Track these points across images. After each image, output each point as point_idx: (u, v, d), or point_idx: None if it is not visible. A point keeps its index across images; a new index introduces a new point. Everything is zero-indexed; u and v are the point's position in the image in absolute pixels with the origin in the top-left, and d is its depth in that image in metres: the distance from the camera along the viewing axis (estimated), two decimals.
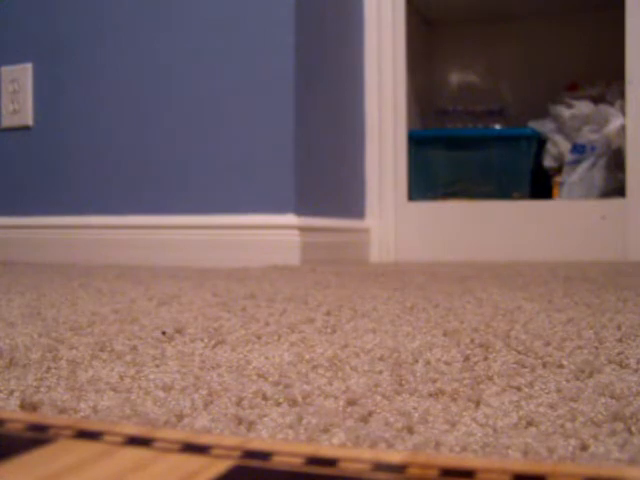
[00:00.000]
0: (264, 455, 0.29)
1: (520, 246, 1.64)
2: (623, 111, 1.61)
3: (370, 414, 0.35)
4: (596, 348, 0.49)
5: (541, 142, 1.76)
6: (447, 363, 0.46)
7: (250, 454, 0.29)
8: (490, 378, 0.42)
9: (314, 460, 0.28)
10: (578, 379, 0.41)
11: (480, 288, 0.90)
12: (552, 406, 0.36)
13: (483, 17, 2.01)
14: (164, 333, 0.56)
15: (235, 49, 1.44)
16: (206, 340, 0.54)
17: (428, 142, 1.80)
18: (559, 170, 1.73)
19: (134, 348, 0.51)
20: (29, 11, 1.63)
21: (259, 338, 0.55)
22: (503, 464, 0.28)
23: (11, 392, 0.40)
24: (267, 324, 0.61)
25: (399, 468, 0.28)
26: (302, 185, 1.42)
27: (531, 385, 0.40)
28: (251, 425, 0.33)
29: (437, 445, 0.30)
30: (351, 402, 0.37)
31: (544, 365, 0.45)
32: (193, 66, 1.47)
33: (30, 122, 1.63)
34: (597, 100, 1.73)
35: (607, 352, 0.48)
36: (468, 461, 0.28)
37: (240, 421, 0.34)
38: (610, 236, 1.57)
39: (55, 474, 0.27)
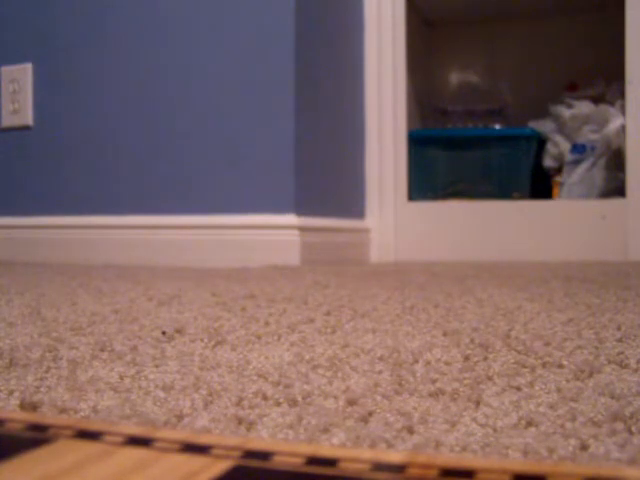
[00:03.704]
0: (264, 455, 0.29)
1: (520, 246, 1.64)
2: (623, 111, 1.61)
3: (370, 414, 0.35)
4: (596, 348, 0.49)
5: (541, 142, 1.76)
6: (447, 363, 0.46)
7: (250, 454, 0.29)
8: (490, 378, 0.42)
9: (314, 460, 0.28)
10: (578, 379, 0.41)
11: (480, 288, 0.90)
12: (552, 406, 0.36)
13: (483, 17, 2.01)
14: (164, 333, 0.56)
15: (234, 48, 1.44)
16: (206, 340, 0.54)
17: (428, 142, 1.80)
18: (559, 170, 1.73)
19: (134, 348, 0.51)
20: (29, 11, 1.63)
21: (259, 338, 0.55)
22: (503, 464, 0.28)
23: (11, 392, 0.40)
24: (267, 324, 0.61)
25: (399, 468, 0.28)
26: (302, 185, 1.42)
27: (531, 385, 0.40)
28: (251, 425, 0.33)
29: (437, 445, 0.30)
30: (351, 402, 0.37)
31: (544, 365, 0.45)
32: (193, 66, 1.47)
33: (30, 122, 1.63)
34: (597, 100, 1.73)
35: (607, 352, 0.48)
36: (468, 461, 0.28)
37: (240, 421, 0.34)
38: (610, 236, 1.57)
39: (55, 474, 0.27)
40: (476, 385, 0.40)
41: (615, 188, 1.65)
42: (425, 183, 1.79)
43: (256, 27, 1.42)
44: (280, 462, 0.28)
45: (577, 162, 1.68)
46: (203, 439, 0.31)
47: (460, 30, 2.08)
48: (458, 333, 0.55)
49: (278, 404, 0.37)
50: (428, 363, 0.45)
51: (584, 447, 0.30)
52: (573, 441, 0.30)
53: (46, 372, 0.44)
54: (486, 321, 0.61)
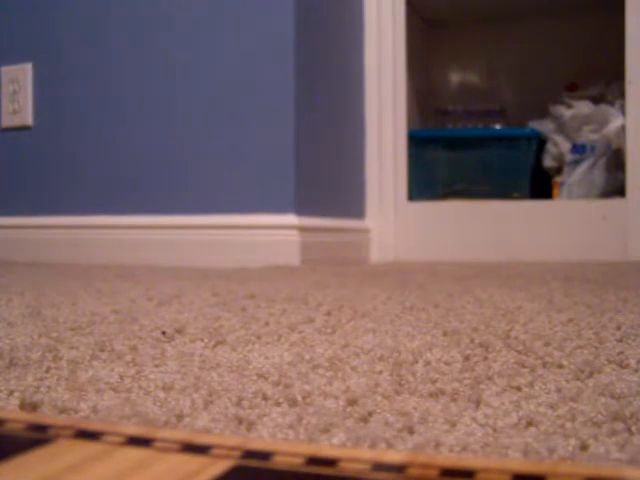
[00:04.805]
0: (264, 455, 0.29)
1: (520, 246, 1.64)
2: (623, 111, 1.61)
3: (370, 414, 0.35)
4: (596, 348, 0.49)
5: (541, 142, 1.76)
6: (447, 363, 0.46)
7: (250, 454, 0.29)
8: (490, 378, 0.42)
9: (314, 460, 0.28)
10: (578, 379, 0.41)
11: (480, 288, 0.90)
12: (552, 406, 0.36)
13: (483, 17, 2.01)
14: (164, 333, 0.56)
15: (234, 49, 1.44)
16: (206, 340, 0.54)
17: (428, 142, 1.80)
18: (559, 170, 1.73)
19: (134, 348, 0.51)
20: (29, 11, 1.63)
21: (259, 338, 0.55)
22: (503, 464, 0.28)
23: (11, 392, 0.40)
24: (267, 324, 0.61)
25: (399, 468, 0.28)
26: (302, 185, 1.42)
27: (531, 385, 0.40)
28: (251, 425, 0.33)
29: (437, 445, 0.30)
30: (351, 402, 0.37)
31: (544, 365, 0.45)
32: (193, 67, 1.47)
33: (30, 122, 1.63)
34: (597, 100, 1.73)
35: (607, 352, 0.48)
36: (468, 461, 0.28)
37: (240, 421, 0.34)
38: (610, 236, 1.57)
39: (55, 474, 0.27)
40: (476, 385, 0.40)
41: (615, 188, 1.65)
42: (425, 183, 1.79)
43: (256, 27, 1.42)
44: (280, 462, 0.28)
45: (577, 162, 1.68)
46: (203, 439, 0.31)
47: (460, 30, 2.08)
48: (458, 333, 0.55)
49: (278, 404, 0.37)
50: (428, 363, 0.45)
51: (584, 447, 0.30)
52: (573, 441, 0.30)
53: (46, 372, 0.44)
54: (486, 321, 0.61)
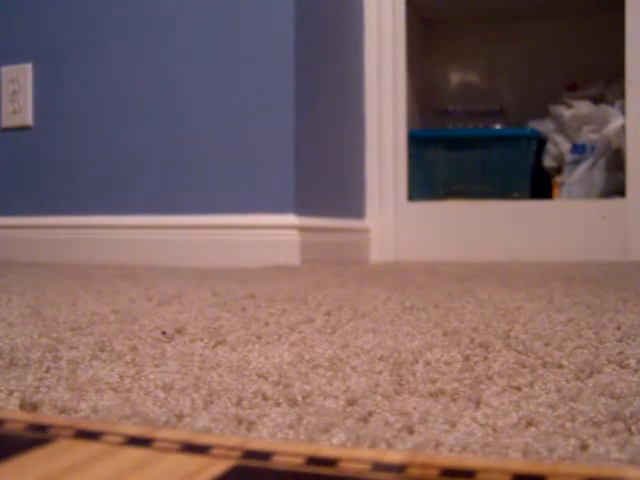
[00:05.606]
0: (264, 455, 0.29)
1: (520, 246, 1.64)
2: (623, 111, 1.61)
3: (370, 414, 0.35)
4: (596, 348, 0.49)
5: (541, 142, 1.76)
6: (447, 363, 0.46)
7: (250, 454, 0.29)
8: (490, 378, 0.42)
9: (314, 460, 0.28)
10: (578, 379, 0.41)
11: (480, 288, 0.90)
12: (552, 406, 0.36)
13: (483, 17, 2.01)
14: (164, 333, 0.56)
15: (234, 48, 1.44)
16: (206, 340, 0.54)
17: (428, 142, 1.80)
18: (559, 170, 1.73)
19: (134, 348, 0.51)
20: (29, 11, 1.63)
21: (259, 338, 0.55)
22: (503, 464, 0.28)
23: (11, 392, 0.40)
24: (267, 324, 0.61)
25: (399, 468, 0.28)
26: (302, 185, 1.42)
27: (531, 385, 0.40)
28: (251, 425, 0.33)
29: (437, 445, 0.30)
30: (351, 402, 0.37)
31: (544, 365, 0.45)
32: (193, 67, 1.47)
33: (30, 122, 1.63)
34: (597, 100, 1.73)
35: (607, 352, 0.48)
36: (468, 461, 0.28)
37: (240, 421, 0.34)
38: (610, 236, 1.57)
39: (55, 474, 0.27)
40: (476, 385, 0.40)
41: (615, 188, 1.65)
42: (425, 183, 1.79)
43: (256, 26, 1.42)
44: (280, 462, 0.28)
45: (577, 162, 1.68)
46: (203, 439, 0.31)
47: (460, 30, 2.07)
48: (458, 333, 0.55)
49: (278, 404, 0.37)
50: (428, 363, 0.45)
51: (584, 447, 0.30)
52: (573, 441, 0.30)
53: (46, 372, 0.44)
54: (486, 321, 0.61)
